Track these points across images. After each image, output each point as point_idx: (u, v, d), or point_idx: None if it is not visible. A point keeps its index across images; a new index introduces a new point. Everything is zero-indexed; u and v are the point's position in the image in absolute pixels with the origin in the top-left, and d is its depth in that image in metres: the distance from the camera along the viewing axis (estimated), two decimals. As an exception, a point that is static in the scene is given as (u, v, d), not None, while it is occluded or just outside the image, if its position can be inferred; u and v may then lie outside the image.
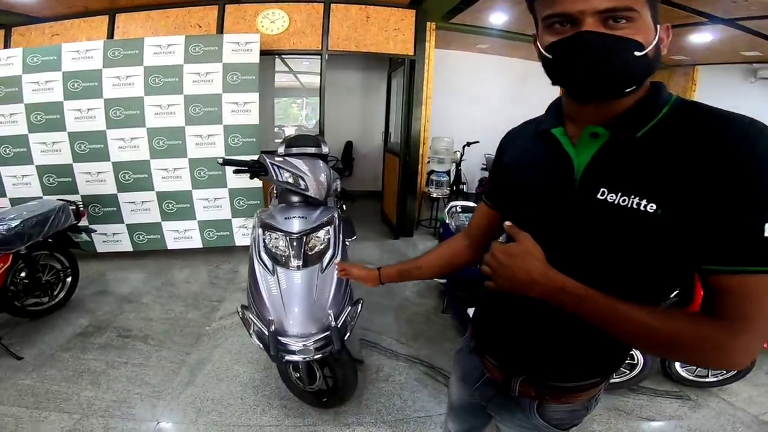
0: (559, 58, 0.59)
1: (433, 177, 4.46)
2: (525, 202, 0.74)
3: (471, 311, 2.10)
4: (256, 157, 1.70)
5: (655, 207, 0.56)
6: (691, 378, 2.11)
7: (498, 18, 4.04)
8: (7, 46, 3.64)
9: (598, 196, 0.61)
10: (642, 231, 0.58)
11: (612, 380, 2.03)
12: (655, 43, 0.57)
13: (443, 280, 2.78)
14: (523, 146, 0.78)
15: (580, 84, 0.59)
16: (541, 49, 0.62)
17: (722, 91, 4.98)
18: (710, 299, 0.55)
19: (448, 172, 4.60)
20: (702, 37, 3.88)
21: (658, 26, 0.58)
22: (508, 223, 0.69)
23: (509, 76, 5.83)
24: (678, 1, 3.03)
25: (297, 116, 6.95)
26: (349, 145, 6.29)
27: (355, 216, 5.16)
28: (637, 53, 0.56)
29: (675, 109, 0.60)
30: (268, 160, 1.66)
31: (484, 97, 5.88)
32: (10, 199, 3.35)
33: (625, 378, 2.03)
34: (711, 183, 0.52)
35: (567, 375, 0.76)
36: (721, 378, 2.08)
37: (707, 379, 2.10)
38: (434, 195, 4.48)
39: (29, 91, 3.23)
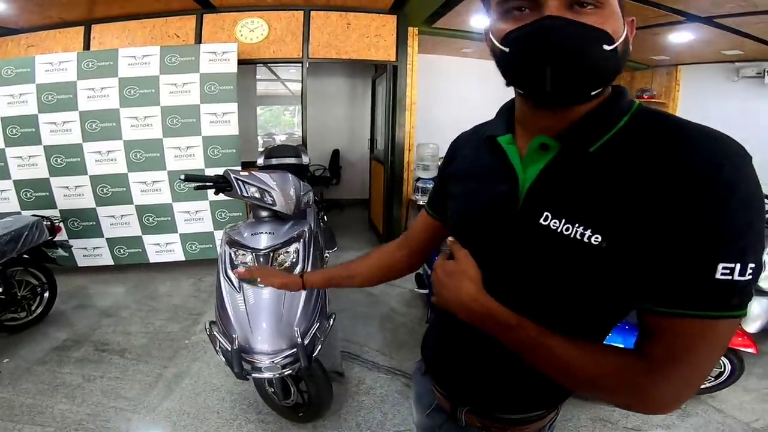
0: (519, 52, 0.50)
1: (419, 184, 4.44)
2: (466, 216, 0.68)
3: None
4: (221, 172, 1.66)
5: (600, 239, 0.49)
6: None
7: (480, 21, 4.04)
8: (-21, 58, 3.59)
9: (541, 220, 0.54)
10: (584, 263, 0.52)
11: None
12: (623, 37, 0.50)
13: (425, 291, 2.75)
14: (471, 154, 0.71)
15: (544, 84, 0.49)
16: (495, 42, 0.53)
17: (706, 90, 5.02)
18: (645, 338, 0.50)
19: (434, 179, 4.57)
20: (681, 36, 3.90)
21: (625, 19, 0.51)
22: (451, 239, 0.67)
23: (494, 80, 5.79)
24: (654, 0, 3.03)
25: (290, 124, 6.95)
26: (336, 153, 6.26)
27: (343, 224, 5.14)
28: (606, 47, 0.48)
29: (635, 119, 0.52)
30: (232, 175, 1.63)
31: (470, 102, 5.87)
32: (-14, 215, 3.28)
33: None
34: (665, 212, 0.45)
35: (512, 406, 0.71)
36: (709, 385, 2.04)
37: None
38: (421, 202, 4.45)
39: (4, 104, 3.18)
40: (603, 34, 0.48)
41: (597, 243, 0.50)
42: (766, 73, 4.60)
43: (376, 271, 0.94)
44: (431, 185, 4.41)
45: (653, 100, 5.16)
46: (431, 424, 0.87)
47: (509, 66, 0.54)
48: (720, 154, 0.44)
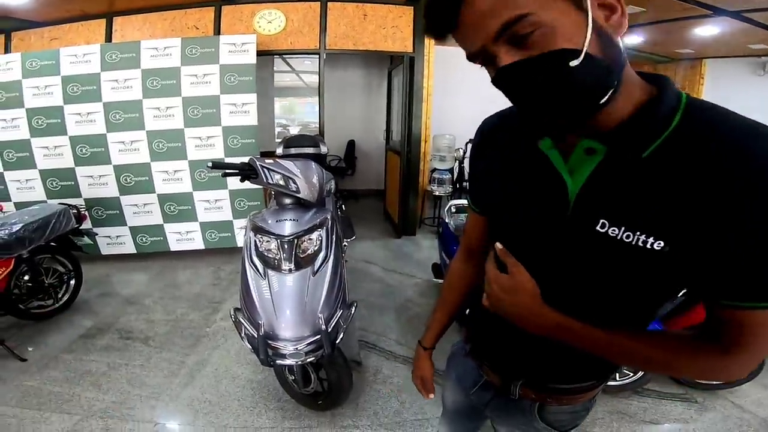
0: (508, 97, 0.52)
1: (435, 175, 4.43)
2: (509, 217, 0.67)
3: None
4: (246, 160, 1.68)
5: (662, 244, 0.49)
6: (698, 381, 2.04)
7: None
8: (7, 51, 3.68)
9: (598, 228, 0.53)
10: (646, 268, 0.53)
11: (616, 383, 1.99)
12: (589, 37, 0.44)
13: (442, 281, 2.75)
14: (506, 146, 0.67)
15: (540, 115, 0.50)
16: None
17: (731, 84, 4.88)
18: (713, 325, 0.54)
19: (450, 170, 4.56)
20: (707, 29, 3.78)
21: (589, 12, 0.45)
22: (499, 246, 0.65)
23: (512, 70, 5.74)
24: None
25: (304, 115, 6.97)
26: (351, 144, 6.27)
27: (358, 215, 5.17)
28: (573, 62, 0.44)
29: (687, 117, 0.49)
30: (257, 163, 1.64)
31: (487, 94, 5.80)
32: (15, 203, 3.39)
33: (630, 381, 1.98)
34: (726, 213, 0.45)
35: (567, 377, 0.74)
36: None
37: (716, 381, 2.03)
38: (437, 193, 4.45)
39: (30, 95, 3.26)
40: (559, 55, 0.44)
41: (660, 248, 0.50)
42: (794, 67, 4.45)
43: (464, 295, 0.93)
44: (447, 176, 4.43)
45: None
46: (476, 401, 0.89)
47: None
48: None
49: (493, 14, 0.45)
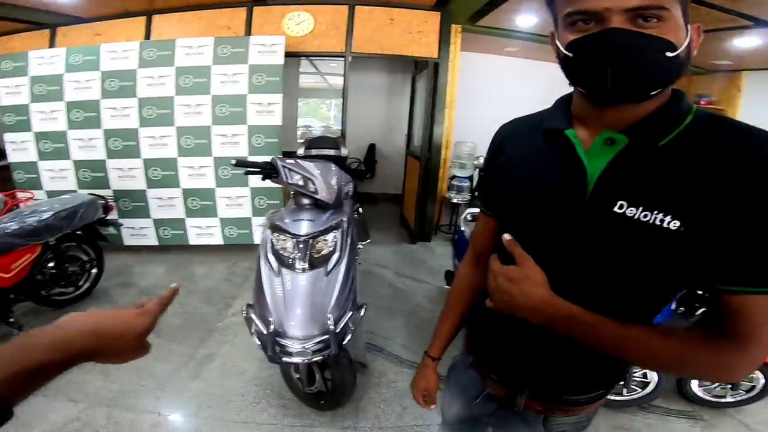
0: (582, 56, 0.55)
1: (454, 182, 4.40)
2: (526, 206, 0.68)
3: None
4: (269, 159, 1.72)
5: (678, 224, 0.53)
6: (707, 398, 1.99)
7: (526, 20, 3.93)
8: (52, 45, 3.87)
9: (616, 209, 0.57)
10: (662, 249, 0.55)
11: (623, 398, 1.95)
12: (686, 44, 0.53)
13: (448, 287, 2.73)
14: (524, 144, 0.71)
15: (604, 84, 0.53)
16: (561, 47, 0.58)
17: (770, 98, 4.65)
18: (721, 316, 0.54)
19: (470, 178, 4.52)
20: (748, 41, 3.63)
21: (689, 26, 0.55)
22: (507, 236, 0.66)
23: (538, 79, 5.65)
24: (721, 4, 2.85)
25: (326, 117, 7.06)
26: (372, 148, 6.30)
27: (375, 219, 5.18)
28: (668, 54, 0.52)
29: (698, 119, 0.56)
30: (279, 162, 1.68)
31: (510, 102, 5.72)
32: (47, 192, 3.57)
33: (637, 396, 1.94)
34: (737, 200, 0.50)
35: (575, 387, 0.73)
36: (739, 399, 1.96)
37: (724, 399, 1.98)
38: (454, 200, 4.42)
39: (70, 89, 3.42)
40: (665, 42, 0.52)
41: (675, 228, 0.53)
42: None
43: (473, 299, 0.92)
44: (466, 183, 4.39)
45: (711, 106, 4.85)
46: (479, 413, 0.88)
47: (573, 68, 0.58)
48: None
49: None
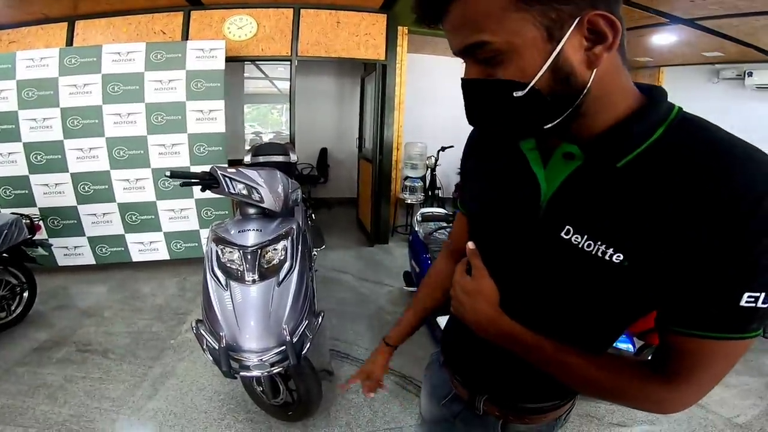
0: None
1: (407, 183, 4.45)
2: (486, 216, 0.67)
3: (441, 320, 2.07)
4: (207, 169, 1.64)
5: (621, 258, 0.48)
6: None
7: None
8: (-43, 54, 3.47)
9: (563, 234, 0.53)
10: (603, 280, 0.51)
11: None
12: (541, 73, 0.45)
13: (413, 288, 2.76)
14: (489, 153, 0.69)
15: (484, 130, 0.55)
16: None
17: (686, 91, 5.13)
18: (664, 353, 0.52)
19: (422, 178, 4.59)
20: (664, 38, 3.99)
21: (558, 46, 0.44)
22: (470, 245, 0.65)
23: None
24: (638, 2, 3.09)
25: (277, 123, 6.88)
26: (324, 152, 6.23)
27: (331, 224, 5.13)
28: (517, 92, 0.46)
29: (672, 130, 0.47)
30: (219, 172, 1.60)
31: (459, 102, 5.89)
32: (-39, 214, 3.18)
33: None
34: (695, 238, 0.44)
35: (529, 395, 0.73)
36: None
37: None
38: (408, 201, 4.47)
39: (-19, 101, 3.08)
40: (506, 85, 0.47)
41: (618, 262, 0.49)
42: (745, 75, 4.73)
43: (440, 295, 0.92)
44: (418, 184, 4.46)
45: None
46: (447, 413, 0.87)
47: None
48: (762, 180, 0.42)
49: (460, 33, 0.48)
